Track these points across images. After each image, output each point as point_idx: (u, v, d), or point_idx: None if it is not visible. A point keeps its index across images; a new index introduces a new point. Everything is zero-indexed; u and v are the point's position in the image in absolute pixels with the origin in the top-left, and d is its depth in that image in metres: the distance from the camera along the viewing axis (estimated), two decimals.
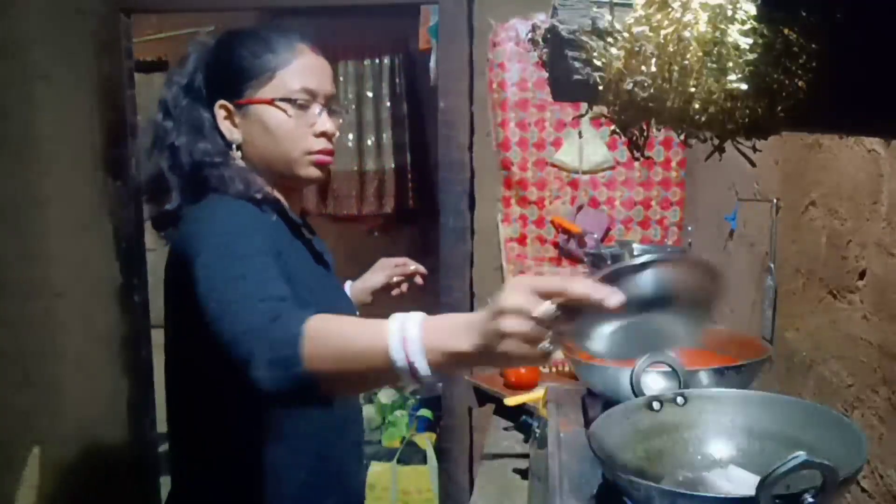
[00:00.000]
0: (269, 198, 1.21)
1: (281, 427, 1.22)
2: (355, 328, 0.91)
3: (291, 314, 0.93)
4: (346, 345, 0.88)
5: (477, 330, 0.79)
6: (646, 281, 0.78)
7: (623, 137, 0.75)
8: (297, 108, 1.23)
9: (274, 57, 1.23)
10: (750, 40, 0.62)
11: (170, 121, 1.25)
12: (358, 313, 1.43)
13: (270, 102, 1.22)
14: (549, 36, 0.73)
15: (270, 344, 0.89)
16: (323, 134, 1.25)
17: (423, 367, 0.82)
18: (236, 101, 1.24)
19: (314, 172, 1.27)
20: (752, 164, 0.75)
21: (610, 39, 0.68)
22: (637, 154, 0.78)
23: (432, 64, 2.84)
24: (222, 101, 1.24)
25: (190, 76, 1.27)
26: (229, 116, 1.25)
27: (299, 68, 1.24)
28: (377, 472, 3.02)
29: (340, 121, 1.32)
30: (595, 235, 2.49)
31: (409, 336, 0.83)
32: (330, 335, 0.89)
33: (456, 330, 0.82)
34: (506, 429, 1.90)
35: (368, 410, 3.36)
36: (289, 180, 1.28)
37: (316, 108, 1.25)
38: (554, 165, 2.55)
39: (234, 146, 1.24)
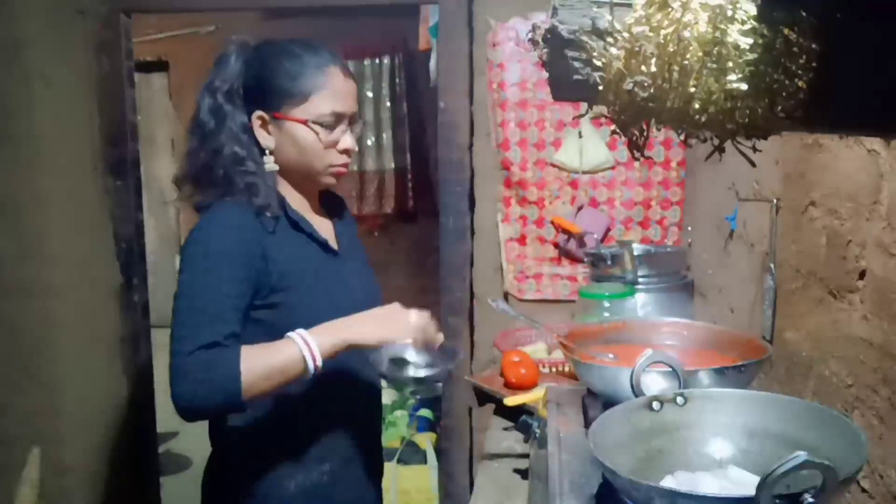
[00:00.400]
0: (273, 209, 1.39)
1: (318, 397, 1.42)
2: (274, 352, 1.27)
3: (223, 357, 1.24)
4: (271, 366, 1.26)
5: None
6: None
7: (623, 137, 0.75)
8: (325, 129, 1.40)
9: (309, 80, 1.39)
10: (750, 40, 0.62)
11: (213, 124, 1.40)
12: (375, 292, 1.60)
13: (304, 123, 1.39)
14: (549, 36, 0.73)
15: (211, 388, 1.23)
16: (345, 151, 1.44)
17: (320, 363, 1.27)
18: (272, 114, 1.40)
19: (331, 181, 1.47)
20: (752, 164, 0.75)
21: (610, 39, 0.68)
22: (637, 154, 0.78)
23: (432, 64, 2.84)
24: (260, 113, 1.40)
25: (232, 82, 1.41)
26: (264, 126, 1.41)
27: (330, 93, 1.40)
28: None
29: (359, 130, 1.51)
30: (595, 235, 2.49)
31: (310, 343, 1.27)
32: (258, 360, 1.25)
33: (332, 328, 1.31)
34: (506, 429, 1.90)
35: None
36: (307, 185, 1.48)
37: (341, 128, 1.42)
38: (554, 165, 2.55)
39: (267, 152, 1.41)
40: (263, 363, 1.25)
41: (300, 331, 1.28)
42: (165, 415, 3.26)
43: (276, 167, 1.42)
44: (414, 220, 4.57)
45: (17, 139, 2.56)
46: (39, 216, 2.61)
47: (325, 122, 1.39)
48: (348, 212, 1.65)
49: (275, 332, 1.32)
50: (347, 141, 1.43)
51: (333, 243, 1.51)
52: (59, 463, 2.66)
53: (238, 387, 1.21)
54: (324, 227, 1.51)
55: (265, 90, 1.40)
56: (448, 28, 2.54)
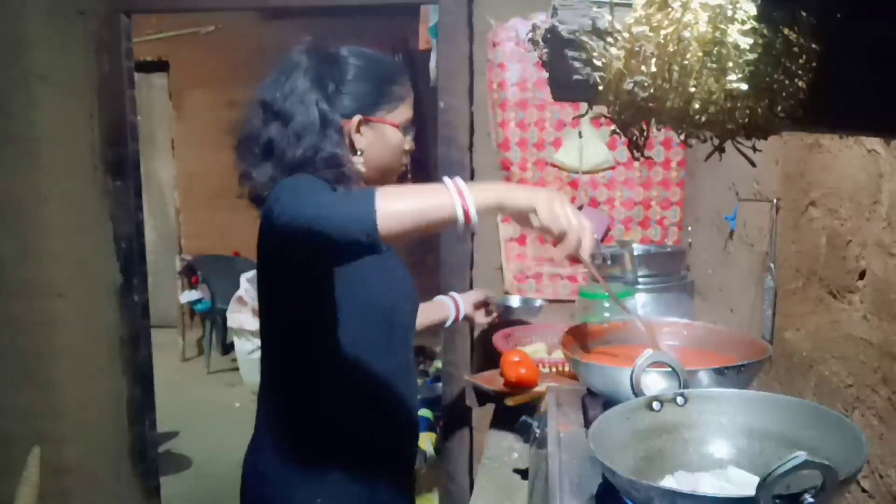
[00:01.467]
0: None
1: (337, 367, 1.48)
2: (420, 191, 1.21)
3: (357, 190, 1.34)
4: (416, 204, 1.19)
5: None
6: None
7: (623, 137, 0.75)
8: (406, 133, 1.55)
9: (401, 89, 1.53)
10: (750, 40, 0.62)
11: (315, 120, 1.44)
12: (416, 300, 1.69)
13: (397, 126, 1.52)
14: (549, 36, 0.73)
15: (347, 202, 1.22)
16: (409, 152, 1.58)
17: (473, 216, 1.16)
18: (367, 117, 1.49)
19: (394, 179, 1.59)
20: (752, 164, 0.75)
21: (610, 39, 0.68)
22: (637, 154, 0.78)
23: (432, 64, 2.84)
24: (360, 117, 1.49)
25: (335, 85, 1.48)
26: (359, 127, 1.49)
27: (410, 102, 1.56)
28: None
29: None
30: (595, 235, 2.48)
31: (463, 191, 1.17)
32: (399, 197, 1.18)
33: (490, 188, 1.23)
34: (506, 429, 1.90)
35: None
36: (377, 180, 1.53)
37: (412, 133, 1.57)
38: (554, 165, 2.55)
39: (359, 152, 1.50)
40: (405, 193, 1.20)
41: (456, 178, 1.19)
42: (165, 415, 3.27)
43: (363, 168, 1.50)
44: None
45: (17, 139, 2.56)
46: (39, 216, 2.61)
47: (407, 126, 1.55)
48: None
49: (319, 322, 1.43)
50: (412, 144, 1.59)
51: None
52: (59, 463, 2.67)
53: (372, 206, 1.13)
54: None
55: (365, 94, 1.50)
56: (448, 28, 2.54)
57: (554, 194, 1.22)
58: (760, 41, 0.62)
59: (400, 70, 1.57)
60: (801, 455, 0.73)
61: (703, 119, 0.66)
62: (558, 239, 1.19)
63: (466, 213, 1.15)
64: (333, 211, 1.19)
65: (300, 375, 1.49)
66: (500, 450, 1.80)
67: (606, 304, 2.01)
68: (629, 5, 0.68)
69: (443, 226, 1.18)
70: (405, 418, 1.60)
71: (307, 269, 1.40)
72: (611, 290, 1.52)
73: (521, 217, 1.21)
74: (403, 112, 1.54)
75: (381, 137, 1.51)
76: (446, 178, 1.18)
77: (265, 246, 1.43)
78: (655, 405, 1.04)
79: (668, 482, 0.96)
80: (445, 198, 1.16)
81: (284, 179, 1.38)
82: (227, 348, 5.86)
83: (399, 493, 1.61)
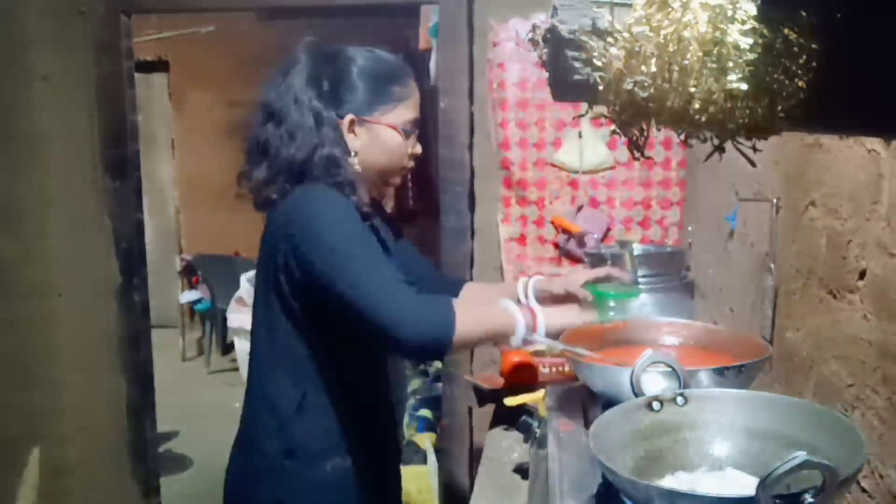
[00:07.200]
0: (361, 207, 1.45)
1: (336, 378, 1.48)
2: (492, 316, 1.39)
3: (437, 298, 1.41)
4: (485, 328, 1.39)
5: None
6: None
7: (623, 137, 0.75)
8: (406, 136, 1.51)
9: (401, 89, 1.49)
10: (750, 40, 0.62)
11: (308, 119, 1.43)
12: None
13: (395, 128, 1.48)
14: (549, 36, 0.73)
15: (427, 319, 1.29)
16: (414, 156, 1.56)
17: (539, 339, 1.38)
18: (363, 117, 1.46)
19: (398, 181, 1.58)
20: (753, 164, 0.75)
21: (610, 39, 0.68)
22: (637, 154, 0.78)
23: (432, 64, 2.84)
24: (353, 116, 1.46)
25: (330, 84, 1.46)
26: (352, 128, 1.47)
27: (413, 103, 1.52)
28: None
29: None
30: (595, 235, 2.49)
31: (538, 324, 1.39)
32: (474, 319, 1.35)
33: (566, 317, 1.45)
34: (506, 429, 1.90)
35: None
36: (378, 184, 1.57)
37: (415, 135, 1.54)
38: (554, 165, 2.55)
39: (353, 153, 1.47)
40: (479, 316, 1.38)
41: (534, 304, 1.47)
42: (165, 415, 3.27)
43: (360, 169, 1.47)
44: (414, 219, 4.56)
45: (17, 139, 2.56)
46: (39, 216, 2.61)
47: (408, 128, 1.51)
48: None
49: (314, 335, 1.43)
50: (417, 147, 1.56)
51: (391, 244, 1.61)
52: (59, 463, 2.67)
53: (452, 323, 1.28)
54: (383, 230, 1.61)
55: (360, 94, 1.46)
56: (448, 28, 2.54)
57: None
58: (760, 41, 0.62)
59: (402, 70, 1.52)
60: (801, 455, 0.73)
61: (703, 119, 0.66)
62: None
63: (534, 328, 1.38)
64: (415, 318, 1.28)
65: (287, 385, 1.47)
66: (500, 450, 1.80)
67: (612, 304, 2.01)
68: (629, 5, 0.68)
69: (503, 341, 1.41)
70: (391, 431, 1.64)
71: (325, 306, 1.39)
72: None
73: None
74: (403, 113, 1.50)
75: (376, 139, 1.48)
76: (522, 313, 1.39)
77: (285, 268, 1.40)
78: (655, 405, 1.04)
79: (668, 482, 0.96)
80: (515, 323, 1.36)
81: (307, 206, 1.38)
82: (227, 348, 5.86)
83: (384, 493, 1.62)
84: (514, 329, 1.35)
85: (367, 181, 1.52)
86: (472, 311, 1.36)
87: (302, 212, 1.38)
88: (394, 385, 1.64)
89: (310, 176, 1.41)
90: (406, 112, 1.50)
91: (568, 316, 1.45)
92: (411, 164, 1.56)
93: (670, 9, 0.65)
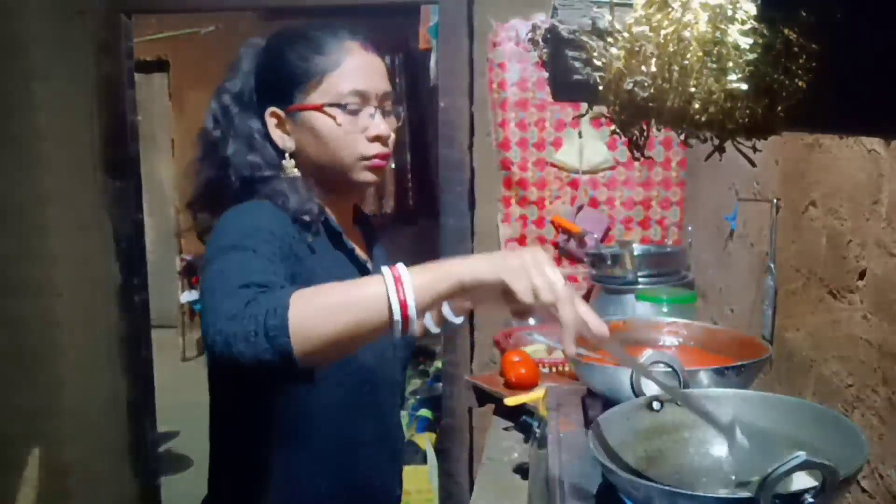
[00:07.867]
0: (313, 216, 1.17)
1: (302, 433, 1.21)
2: (343, 285, 0.94)
3: (270, 294, 0.92)
4: (338, 298, 0.92)
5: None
6: None
7: (623, 137, 0.75)
8: (348, 114, 1.17)
9: (322, 59, 1.18)
10: (750, 40, 0.62)
11: (219, 131, 1.23)
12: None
13: (319, 108, 1.17)
14: (549, 36, 0.73)
15: (248, 320, 0.90)
16: (377, 138, 1.19)
17: (412, 308, 0.90)
18: (286, 108, 1.20)
19: (369, 177, 1.22)
20: (752, 164, 0.75)
21: (610, 39, 0.68)
22: (637, 154, 0.78)
23: (432, 64, 2.84)
24: (273, 109, 1.20)
25: (241, 84, 1.24)
26: (280, 124, 1.21)
27: (349, 70, 1.18)
28: None
29: (398, 120, 1.26)
30: (595, 235, 2.49)
31: (402, 276, 0.91)
32: (317, 295, 0.92)
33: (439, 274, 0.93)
34: (506, 429, 1.90)
35: None
36: (343, 185, 1.23)
37: (369, 111, 1.19)
38: (554, 165, 2.55)
39: (286, 155, 1.20)
40: (325, 296, 0.92)
41: (398, 265, 0.93)
42: (165, 415, 3.26)
43: (297, 172, 1.20)
44: (414, 220, 4.57)
45: (17, 139, 2.56)
46: (40, 216, 2.61)
47: (346, 102, 1.17)
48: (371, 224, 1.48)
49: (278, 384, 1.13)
50: (379, 126, 1.19)
51: (370, 264, 1.31)
52: (59, 463, 2.67)
53: (285, 322, 0.87)
54: (361, 246, 1.32)
55: (275, 83, 1.21)
56: (448, 28, 2.54)
57: (525, 255, 0.95)
58: (760, 41, 0.62)
59: (325, 33, 1.21)
60: (801, 455, 0.73)
61: (703, 119, 0.66)
62: (545, 312, 0.95)
63: (403, 305, 0.89)
64: (227, 328, 0.92)
65: (253, 440, 1.25)
66: (500, 450, 1.80)
67: (665, 309, 2.00)
68: (629, 5, 0.68)
69: (378, 328, 0.91)
70: (380, 485, 1.31)
71: None
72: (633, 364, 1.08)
73: (493, 295, 0.94)
74: (334, 85, 1.17)
75: (309, 130, 1.18)
76: (384, 267, 0.92)
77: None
78: (655, 405, 1.04)
79: (669, 482, 0.95)
80: (375, 288, 0.90)
81: (223, 221, 1.10)
82: None
83: None
84: (383, 297, 0.89)
85: (320, 183, 1.21)
86: (315, 300, 0.91)
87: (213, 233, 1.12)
88: (391, 452, 1.33)
89: (233, 194, 1.18)
90: (338, 83, 1.17)
91: (438, 272, 0.93)
92: (375, 148, 1.20)
93: (670, 9, 0.65)
